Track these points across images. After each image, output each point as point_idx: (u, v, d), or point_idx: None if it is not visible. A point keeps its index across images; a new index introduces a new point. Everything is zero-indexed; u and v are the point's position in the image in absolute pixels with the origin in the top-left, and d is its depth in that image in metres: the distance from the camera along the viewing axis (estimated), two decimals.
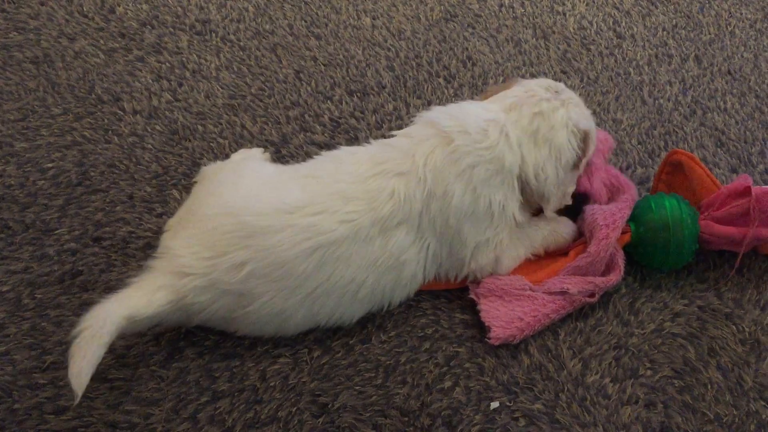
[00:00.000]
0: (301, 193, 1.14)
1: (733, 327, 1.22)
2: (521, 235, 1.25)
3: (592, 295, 1.21)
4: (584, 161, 1.23)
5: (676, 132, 1.57)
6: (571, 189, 1.26)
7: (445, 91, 1.64)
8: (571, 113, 1.22)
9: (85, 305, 1.18)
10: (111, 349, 1.16)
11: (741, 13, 1.92)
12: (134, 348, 1.17)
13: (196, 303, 1.10)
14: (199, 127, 1.53)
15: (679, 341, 1.21)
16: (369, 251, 1.12)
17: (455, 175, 1.15)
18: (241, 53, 1.71)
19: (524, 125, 1.19)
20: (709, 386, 1.15)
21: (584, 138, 1.22)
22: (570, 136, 1.21)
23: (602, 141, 1.33)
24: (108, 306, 1.07)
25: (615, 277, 1.22)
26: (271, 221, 1.10)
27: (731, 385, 1.15)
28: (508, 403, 1.12)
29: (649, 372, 1.17)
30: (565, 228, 1.28)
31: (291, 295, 1.11)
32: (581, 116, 1.23)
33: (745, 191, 1.21)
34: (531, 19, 1.85)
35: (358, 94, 1.63)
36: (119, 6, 1.81)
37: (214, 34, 1.76)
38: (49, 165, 1.43)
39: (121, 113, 1.55)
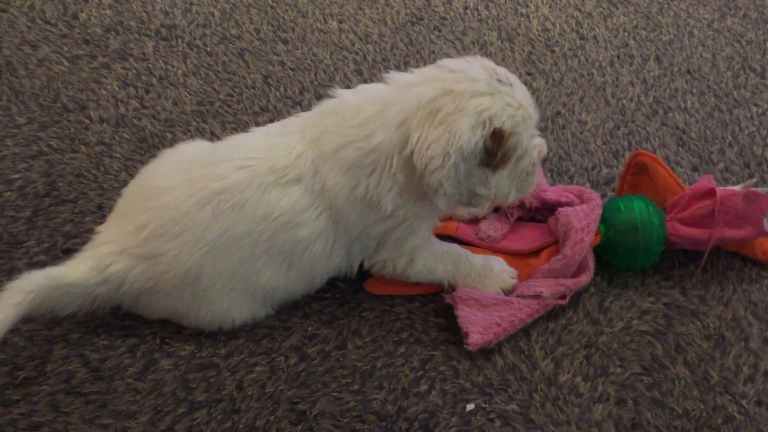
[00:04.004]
0: (206, 152, 1.17)
1: (698, 323, 1.26)
2: (448, 257, 1.23)
3: (563, 296, 1.24)
4: (500, 160, 1.09)
5: (639, 132, 1.61)
6: (484, 192, 1.12)
7: None
8: (495, 106, 1.05)
9: (57, 320, 1.18)
10: (85, 362, 1.16)
11: (699, 13, 1.97)
12: (109, 360, 1.16)
13: (115, 272, 1.10)
14: (168, 134, 1.52)
15: (646, 338, 1.24)
16: (264, 201, 1.10)
17: (325, 156, 1.11)
18: (208, 59, 1.71)
19: (422, 102, 1.06)
20: (677, 382, 1.18)
21: (495, 135, 1.06)
22: (477, 126, 1.04)
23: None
24: (31, 273, 1.09)
25: (585, 278, 1.25)
26: (167, 181, 1.12)
27: (698, 380, 1.19)
28: (483, 405, 1.14)
29: (618, 369, 1.20)
30: (501, 269, 1.25)
31: (193, 250, 1.09)
32: (507, 115, 1.06)
33: (710, 193, 1.24)
34: (496, 21, 1.88)
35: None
36: (82, 12, 1.78)
37: (180, 40, 1.75)
38: (16, 176, 1.41)
39: (88, 122, 1.53)
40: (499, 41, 1.82)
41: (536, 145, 1.15)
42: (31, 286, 1.06)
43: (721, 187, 1.27)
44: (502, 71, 1.10)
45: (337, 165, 1.10)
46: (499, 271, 1.25)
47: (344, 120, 1.11)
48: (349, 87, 1.64)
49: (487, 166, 1.09)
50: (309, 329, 1.22)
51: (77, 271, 1.11)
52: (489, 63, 1.10)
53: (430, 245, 1.23)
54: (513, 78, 1.11)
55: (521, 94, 1.10)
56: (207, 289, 1.13)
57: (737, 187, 1.28)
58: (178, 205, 1.10)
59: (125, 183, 1.38)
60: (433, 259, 1.22)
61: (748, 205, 1.24)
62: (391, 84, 1.12)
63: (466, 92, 1.05)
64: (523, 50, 1.79)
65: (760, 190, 1.27)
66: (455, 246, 1.26)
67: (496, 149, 1.07)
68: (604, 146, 1.57)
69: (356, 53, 1.75)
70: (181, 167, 1.14)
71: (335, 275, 1.22)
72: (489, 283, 1.24)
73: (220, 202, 1.09)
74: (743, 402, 1.16)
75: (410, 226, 1.16)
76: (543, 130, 1.54)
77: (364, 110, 1.10)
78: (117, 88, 1.61)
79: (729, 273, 1.33)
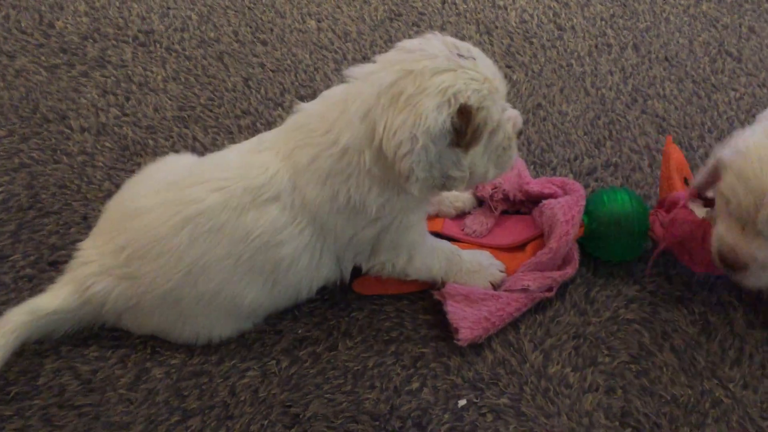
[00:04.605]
0: (184, 171, 1.16)
1: (684, 309, 1.28)
2: (441, 253, 1.23)
3: (549, 289, 1.25)
4: (471, 138, 1.05)
5: (620, 121, 1.62)
6: (458, 174, 1.07)
7: None
8: (459, 82, 1.01)
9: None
10: (76, 375, 1.16)
11: (674, 0, 1.98)
12: (100, 372, 1.16)
13: (96, 293, 1.12)
14: (150, 141, 1.52)
15: (633, 327, 1.25)
16: (241, 223, 1.08)
17: (301, 171, 1.09)
18: (188, 63, 1.70)
19: (383, 88, 1.02)
20: (665, 369, 1.20)
21: (462, 112, 1.01)
22: (442, 105, 1.00)
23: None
24: (11, 312, 1.10)
25: (571, 270, 1.26)
26: (146, 201, 1.12)
27: (685, 366, 1.21)
28: (475, 400, 1.16)
29: (607, 359, 1.21)
30: (490, 263, 1.26)
31: (171, 273, 1.09)
32: (472, 90, 1.02)
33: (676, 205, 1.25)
34: (474, 14, 1.88)
35: (309, 99, 1.61)
36: (58, 20, 1.77)
37: (158, 45, 1.74)
38: None
39: (69, 131, 1.52)
40: (478, 35, 1.82)
41: (509, 117, 1.11)
42: (14, 325, 1.09)
43: (685, 208, 1.25)
44: (463, 45, 1.06)
45: (313, 177, 1.08)
46: (488, 265, 1.26)
47: (312, 131, 1.09)
48: (330, 86, 1.65)
49: (458, 146, 1.04)
50: (299, 332, 1.23)
51: (58, 297, 1.13)
52: (449, 38, 1.06)
53: (427, 241, 1.23)
54: (475, 51, 1.07)
55: (485, 66, 1.05)
56: (188, 309, 1.13)
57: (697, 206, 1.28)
58: (155, 228, 1.09)
59: (109, 192, 1.39)
60: (430, 256, 1.23)
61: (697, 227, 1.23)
62: (351, 80, 1.09)
63: (426, 71, 1.01)
64: (502, 43, 1.80)
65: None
66: (445, 242, 1.27)
67: (465, 127, 1.02)
68: (585, 136, 1.58)
69: (336, 52, 1.75)
70: (160, 187, 1.13)
71: (324, 285, 1.22)
72: (479, 278, 1.25)
73: (197, 226, 1.08)
74: (730, 386, 1.18)
75: (402, 222, 1.15)
76: (524, 123, 1.54)
77: (328, 116, 1.08)
78: (97, 96, 1.60)
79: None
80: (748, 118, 1.63)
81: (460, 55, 1.03)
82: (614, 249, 1.29)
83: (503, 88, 1.09)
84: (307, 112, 1.13)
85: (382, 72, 1.04)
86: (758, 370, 1.20)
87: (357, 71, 1.08)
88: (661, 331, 1.25)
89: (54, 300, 1.12)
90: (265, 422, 1.12)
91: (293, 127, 1.12)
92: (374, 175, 1.06)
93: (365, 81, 1.05)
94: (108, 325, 1.19)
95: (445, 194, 1.33)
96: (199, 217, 1.08)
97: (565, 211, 1.25)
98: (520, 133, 1.15)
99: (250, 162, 1.11)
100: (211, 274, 1.10)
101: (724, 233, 1.11)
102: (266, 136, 1.16)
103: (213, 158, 1.19)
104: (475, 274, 1.25)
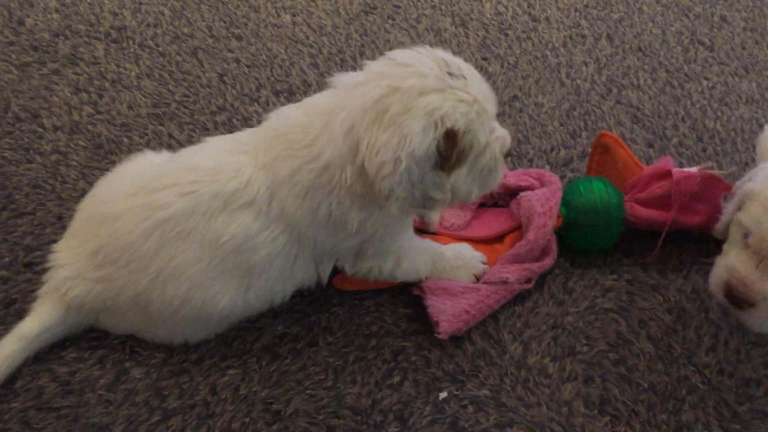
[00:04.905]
0: (154, 173, 1.13)
1: (660, 297, 1.29)
2: (426, 253, 1.23)
3: (528, 280, 1.26)
4: (456, 160, 1.02)
5: (595, 111, 1.63)
6: (439, 196, 1.05)
7: None
8: (446, 105, 0.98)
9: None
10: (54, 377, 1.15)
11: None
12: (78, 374, 1.16)
13: (75, 297, 1.12)
14: (125, 139, 1.50)
15: (611, 316, 1.27)
16: (210, 228, 1.06)
17: (280, 183, 1.07)
18: (161, 59, 1.68)
19: (368, 103, 0.98)
20: (642, 356, 1.22)
21: (448, 136, 0.99)
22: (428, 127, 0.97)
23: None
24: (3, 339, 1.13)
25: (549, 261, 1.27)
26: (116, 207, 1.11)
27: (662, 353, 1.22)
28: (456, 392, 1.16)
29: (585, 348, 1.23)
30: (472, 256, 1.26)
31: (140, 278, 1.08)
32: (460, 113, 0.99)
33: (667, 174, 1.27)
34: (449, 7, 1.88)
35: (285, 94, 1.62)
36: (28, 18, 1.74)
37: (131, 41, 1.72)
38: None
39: (41, 130, 1.50)
40: (453, 27, 1.82)
41: (498, 137, 1.08)
42: (6, 354, 1.12)
43: (679, 169, 1.29)
44: (455, 62, 1.02)
45: (294, 191, 1.05)
46: (470, 258, 1.27)
47: (293, 143, 1.05)
48: (306, 81, 1.65)
49: (442, 168, 1.02)
50: (279, 329, 1.22)
51: (42, 316, 1.14)
52: (441, 53, 1.03)
53: (413, 244, 1.22)
54: (467, 68, 1.03)
55: (476, 86, 1.02)
56: (158, 314, 1.12)
57: (694, 169, 1.31)
58: (124, 234, 1.08)
59: (84, 192, 1.37)
60: (417, 258, 1.22)
61: (704, 187, 1.27)
62: (337, 88, 1.06)
63: (414, 89, 0.97)
64: (478, 35, 1.80)
65: (717, 172, 1.29)
66: (428, 241, 1.27)
67: (449, 151, 1.00)
68: (561, 127, 1.59)
69: (311, 46, 1.74)
70: (130, 191, 1.11)
71: (300, 288, 1.19)
72: (462, 273, 1.25)
73: (165, 232, 1.07)
74: (706, 372, 1.20)
75: (386, 232, 1.13)
76: (500, 115, 1.55)
77: (311, 128, 1.04)
78: (69, 94, 1.58)
79: (688, 246, 1.36)
80: (721, 107, 1.65)
81: (450, 74, 1.00)
82: (592, 238, 1.30)
83: (493, 108, 1.06)
84: (288, 120, 1.09)
85: (368, 85, 1.00)
86: (733, 355, 1.22)
87: (343, 80, 1.05)
88: (638, 320, 1.26)
89: (39, 320, 1.14)
90: (247, 420, 1.12)
91: (274, 135, 1.09)
92: (355, 192, 1.03)
93: (351, 94, 1.01)
94: (89, 326, 1.19)
95: None
96: (167, 223, 1.06)
97: (543, 203, 1.26)
98: (507, 154, 1.13)
99: (222, 165, 1.08)
100: (181, 279, 1.08)
101: (736, 264, 1.06)
102: (243, 138, 1.13)
103: (185, 156, 1.15)
104: (458, 270, 1.25)
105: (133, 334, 1.18)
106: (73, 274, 1.12)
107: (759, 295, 1.04)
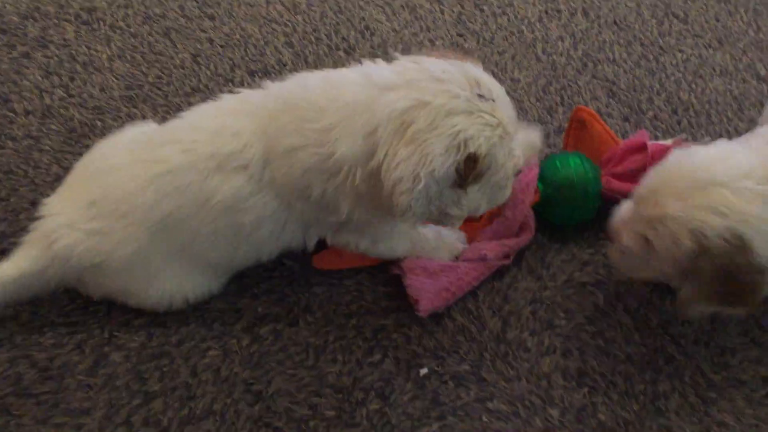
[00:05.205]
0: (158, 130, 1.16)
1: None
2: (405, 235, 1.22)
3: (507, 256, 1.26)
4: (471, 181, 1.03)
5: (571, 86, 1.63)
6: (456, 212, 1.07)
7: (346, 63, 1.63)
8: (472, 128, 0.98)
9: (2, 321, 1.16)
10: (33, 363, 1.15)
11: None
12: (57, 359, 1.15)
13: (63, 247, 1.09)
14: (98, 122, 1.48)
15: (588, 289, 1.28)
16: (205, 186, 1.07)
17: (278, 154, 1.06)
18: (133, 40, 1.66)
19: (394, 112, 0.98)
20: (619, 329, 1.23)
21: (469, 159, 0.99)
22: (450, 149, 0.97)
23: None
24: None
25: (527, 237, 1.28)
26: (116, 160, 1.12)
27: (639, 324, 1.24)
28: (436, 368, 1.17)
29: (563, 322, 1.24)
30: (452, 237, 1.26)
31: (139, 231, 1.09)
32: (484, 138, 0.99)
33: (642, 147, 1.28)
34: None
35: (260, 74, 1.61)
36: None
37: (101, 23, 1.69)
38: None
39: (12, 115, 1.48)
40: (429, 3, 1.81)
41: (512, 157, 1.07)
42: None
43: (653, 142, 1.30)
44: (486, 82, 1.02)
45: (290, 165, 1.05)
46: (450, 239, 1.27)
47: (305, 121, 1.03)
48: (281, 60, 1.64)
49: (459, 186, 1.02)
50: (259, 310, 1.22)
51: (23, 261, 1.10)
52: (473, 71, 1.02)
53: (395, 228, 1.21)
54: (496, 90, 1.03)
55: (502, 109, 1.02)
56: (155, 267, 1.13)
57: (668, 142, 1.32)
58: (124, 185, 1.09)
59: (57, 176, 1.36)
60: (394, 239, 1.22)
61: None
62: (364, 81, 1.03)
63: (442, 109, 0.97)
64: (453, 11, 1.79)
65: (690, 144, 1.30)
66: None
67: (468, 173, 1.00)
68: (538, 103, 1.59)
69: (285, 25, 1.72)
70: (132, 147, 1.13)
71: (287, 250, 1.20)
72: (442, 253, 1.25)
73: (164, 185, 1.08)
74: (682, 342, 1.22)
75: (371, 220, 1.13)
76: None
77: (329, 114, 1.02)
78: (40, 78, 1.56)
79: None
80: (695, 79, 1.66)
81: (480, 95, 1.00)
82: (570, 212, 1.31)
83: (514, 129, 1.06)
84: (306, 93, 1.06)
85: (398, 93, 0.99)
86: (708, 325, 1.24)
87: (373, 75, 1.03)
88: (615, 292, 1.28)
89: (19, 265, 1.10)
90: (228, 401, 1.12)
91: (285, 103, 1.07)
92: (358, 190, 1.03)
93: (379, 95, 0.99)
94: (68, 287, 1.17)
95: None
96: (166, 176, 1.08)
97: (519, 180, 1.26)
98: (518, 173, 1.14)
99: (223, 126, 1.09)
100: (177, 233, 1.10)
101: (624, 206, 1.16)
102: (252, 98, 1.11)
103: (191, 115, 1.15)
104: (438, 250, 1.25)
105: (115, 295, 1.17)
106: (65, 222, 1.09)
107: (616, 234, 1.14)
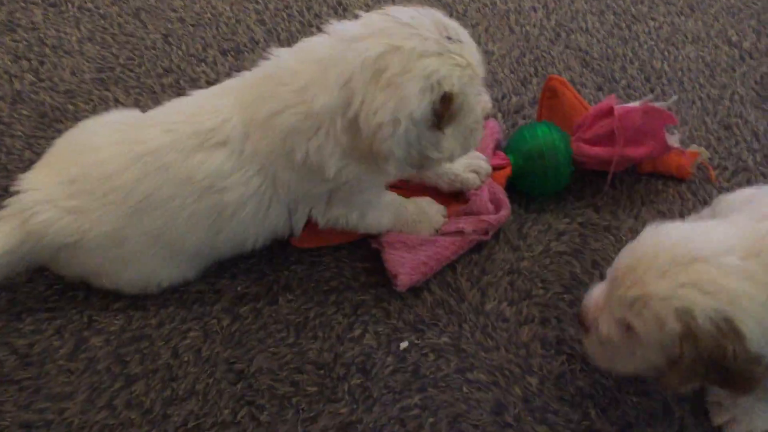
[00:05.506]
0: (141, 115, 1.17)
1: (612, 238, 1.32)
2: (391, 207, 1.24)
3: (485, 232, 1.27)
4: (446, 120, 1.05)
5: (545, 57, 1.64)
6: (436, 155, 1.09)
7: None
8: (444, 68, 1.00)
9: None
10: (12, 350, 1.15)
11: None
12: (37, 345, 1.15)
13: (38, 223, 1.08)
14: (70, 106, 1.47)
15: (565, 258, 1.29)
16: (187, 165, 1.08)
17: (258, 122, 1.07)
18: (103, 22, 1.64)
19: (367, 59, 0.99)
20: None
21: (444, 99, 1.01)
22: (425, 90, 1.00)
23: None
24: None
25: (506, 212, 1.28)
26: (100, 139, 1.12)
27: None
28: (416, 341, 1.18)
29: (541, 291, 1.25)
30: (433, 210, 1.27)
31: (118, 210, 1.09)
32: (456, 77, 1.01)
33: (609, 111, 1.29)
34: None
35: (232, 53, 1.60)
36: None
37: (70, 4, 1.67)
38: None
39: None
40: None
41: (481, 100, 1.11)
42: None
43: (621, 105, 1.31)
44: (452, 26, 1.04)
45: (271, 131, 1.06)
46: (432, 213, 1.27)
47: (281, 85, 1.05)
48: (254, 38, 1.63)
49: (437, 128, 1.05)
50: (238, 289, 1.23)
51: None
52: (439, 16, 1.04)
53: (380, 198, 1.23)
54: (462, 33, 1.05)
55: (470, 51, 1.04)
56: (132, 250, 1.12)
57: (636, 103, 1.32)
58: (105, 165, 1.09)
59: (30, 162, 1.34)
60: (381, 212, 1.23)
61: (646, 120, 1.29)
62: (332, 36, 1.05)
63: (414, 51, 0.99)
64: None
65: (658, 104, 1.31)
66: (393, 195, 1.27)
67: (444, 112, 1.03)
68: (512, 75, 1.60)
69: (257, 2, 1.71)
70: (114, 127, 1.13)
71: (272, 237, 1.20)
72: (423, 227, 1.26)
73: (145, 164, 1.08)
74: None
75: (357, 184, 1.14)
76: None
77: (303, 73, 1.04)
78: (9, 63, 1.53)
79: (637, 187, 1.39)
80: (668, 47, 1.66)
81: (448, 38, 1.02)
82: (543, 182, 1.32)
83: (482, 72, 1.08)
84: (280, 62, 1.09)
85: (368, 41, 1.00)
86: None
87: (341, 30, 1.05)
88: (591, 261, 1.29)
89: None
90: (210, 380, 1.13)
91: (262, 75, 1.10)
92: (340, 142, 1.04)
93: (349, 46, 1.01)
94: (41, 265, 1.16)
95: (445, 170, 1.29)
96: (148, 156, 1.08)
97: (482, 148, 1.28)
98: (487, 117, 1.17)
99: (204, 106, 1.11)
100: (156, 214, 1.10)
101: (595, 290, 1.05)
102: (229, 83, 1.15)
103: (175, 102, 1.17)
104: (419, 224, 1.26)
105: (90, 277, 1.17)
106: (43, 198, 1.09)
107: (591, 323, 1.02)
